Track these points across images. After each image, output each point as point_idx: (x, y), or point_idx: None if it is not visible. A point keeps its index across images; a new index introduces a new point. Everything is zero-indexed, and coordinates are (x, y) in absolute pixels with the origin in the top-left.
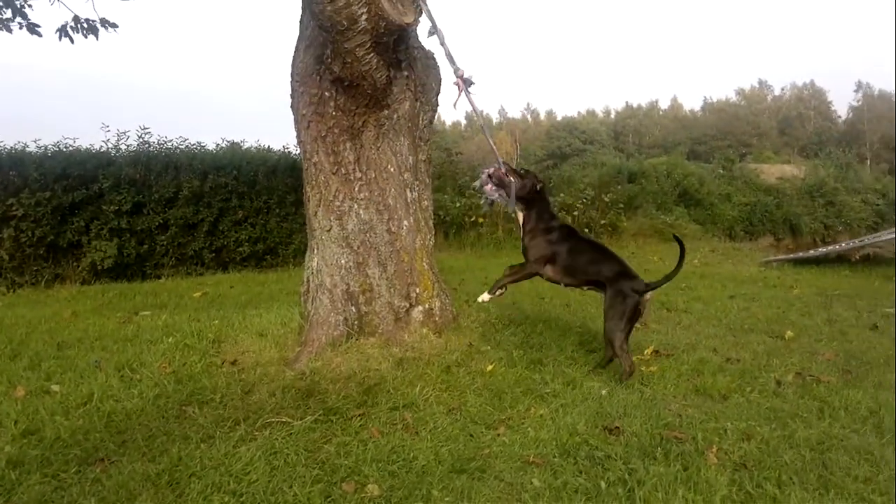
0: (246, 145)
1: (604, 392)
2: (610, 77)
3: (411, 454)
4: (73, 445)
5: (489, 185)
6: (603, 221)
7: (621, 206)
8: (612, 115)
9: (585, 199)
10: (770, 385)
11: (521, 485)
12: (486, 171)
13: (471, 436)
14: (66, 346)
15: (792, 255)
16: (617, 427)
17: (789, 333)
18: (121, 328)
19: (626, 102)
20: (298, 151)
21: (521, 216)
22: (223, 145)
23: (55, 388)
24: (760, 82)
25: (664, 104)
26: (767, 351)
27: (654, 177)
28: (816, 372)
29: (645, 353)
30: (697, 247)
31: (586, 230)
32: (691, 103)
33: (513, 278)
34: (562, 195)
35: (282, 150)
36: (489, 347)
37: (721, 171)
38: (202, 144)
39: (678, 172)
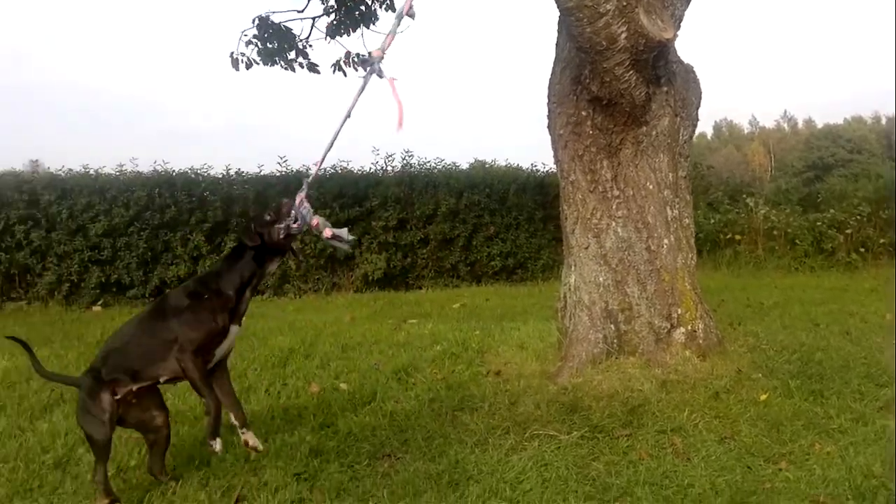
0: (496, 164)
1: None
2: (880, 78)
3: (685, 481)
4: (362, 440)
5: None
6: (882, 241)
7: None
8: (883, 121)
9: (860, 215)
10: None
11: None
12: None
13: (748, 468)
14: (348, 348)
15: None
16: None
17: None
18: (393, 334)
19: None
20: (546, 169)
21: None
22: (476, 164)
23: (343, 386)
24: None
25: None
26: None
27: None
28: None
29: None
30: None
31: (862, 249)
32: None
33: None
34: (832, 211)
35: (530, 167)
36: (761, 375)
37: None
38: (457, 164)
39: None
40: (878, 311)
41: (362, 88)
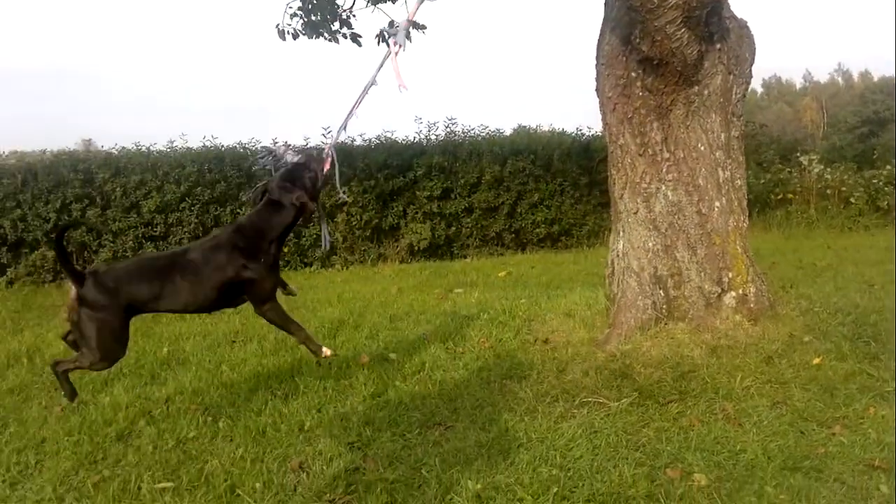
0: (540, 130)
1: None
2: None
3: (737, 446)
4: (413, 409)
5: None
6: None
7: None
8: None
9: None
10: None
11: (867, 490)
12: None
13: (801, 433)
14: (396, 318)
15: None
16: None
17: None
18: (439, 304)
19: None
20: (591, 133)
21: None
22: (519, 130)
23: (392, 356)
24: None
25: None
26: None
27: None
28: None
29: None
30: None
31: None
32: None
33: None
34: (888, 167)
35: (575, 132)
36: (813, 338)
37: None
38: (501, 131)
39: None
40: None
41: (387, 55)
